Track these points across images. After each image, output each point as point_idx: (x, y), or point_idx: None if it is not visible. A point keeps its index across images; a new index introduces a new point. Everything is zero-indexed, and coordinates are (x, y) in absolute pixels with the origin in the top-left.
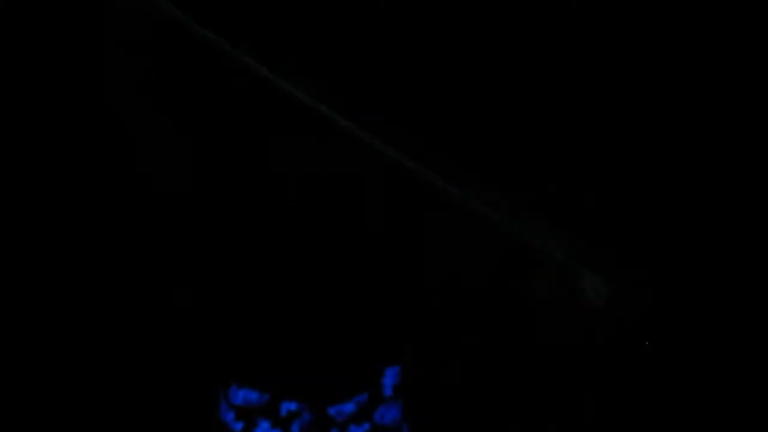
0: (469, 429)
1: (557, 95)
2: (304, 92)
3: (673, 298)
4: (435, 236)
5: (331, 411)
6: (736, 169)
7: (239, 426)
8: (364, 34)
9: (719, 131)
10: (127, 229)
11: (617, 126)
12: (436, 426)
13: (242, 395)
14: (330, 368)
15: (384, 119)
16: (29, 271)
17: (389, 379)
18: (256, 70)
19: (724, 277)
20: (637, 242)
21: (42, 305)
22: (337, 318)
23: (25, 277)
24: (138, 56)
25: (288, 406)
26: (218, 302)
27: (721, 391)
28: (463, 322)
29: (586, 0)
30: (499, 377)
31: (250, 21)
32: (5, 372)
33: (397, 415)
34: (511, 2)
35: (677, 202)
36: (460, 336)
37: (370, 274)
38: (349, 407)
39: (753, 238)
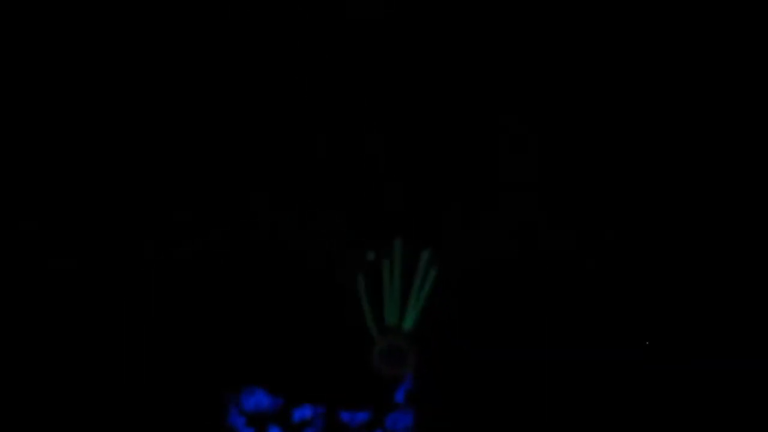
0: None
1: None
2: None
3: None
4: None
5: (344, 417)
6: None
7: None
8: None
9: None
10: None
11: None
12: None
13: (253, 401)
14: (343, 374)
15: None
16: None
17: (401, 386)
18: None
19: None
20: None
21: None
22: (350, 324)
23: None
24: None
25: (300, 413)
26: (232, 306)
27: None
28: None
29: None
30: (508, 385)
31: None
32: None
33: (409, 422)
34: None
35: None
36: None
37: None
38: (362, 414)
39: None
